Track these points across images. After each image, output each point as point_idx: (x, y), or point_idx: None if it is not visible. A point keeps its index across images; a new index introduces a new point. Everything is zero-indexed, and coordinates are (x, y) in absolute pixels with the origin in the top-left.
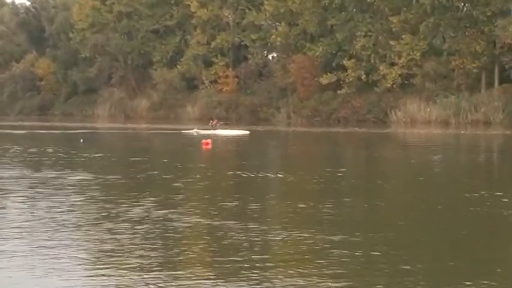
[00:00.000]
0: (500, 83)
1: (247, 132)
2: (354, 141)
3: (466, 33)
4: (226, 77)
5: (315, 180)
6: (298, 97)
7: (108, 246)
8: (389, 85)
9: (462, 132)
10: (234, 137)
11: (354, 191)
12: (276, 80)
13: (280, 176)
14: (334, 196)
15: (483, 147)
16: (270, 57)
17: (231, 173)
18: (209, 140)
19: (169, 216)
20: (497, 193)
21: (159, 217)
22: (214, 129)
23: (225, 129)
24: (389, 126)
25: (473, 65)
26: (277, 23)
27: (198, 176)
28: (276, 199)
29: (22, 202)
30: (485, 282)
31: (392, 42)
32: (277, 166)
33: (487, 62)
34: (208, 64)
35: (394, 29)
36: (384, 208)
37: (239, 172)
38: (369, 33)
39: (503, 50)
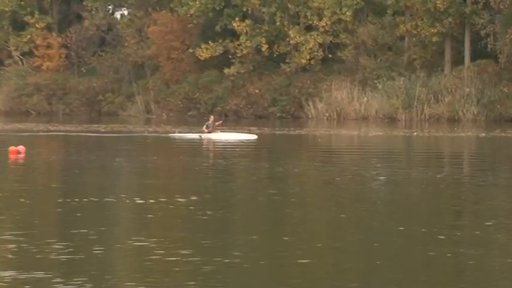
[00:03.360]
0: (474, 58)
1: (255, 136)
2: (245, 147)
3: None
4: (49, 46)
5: (170, 207)
6: (162, 79)
7: None
8: (304, 61)
9: (415, 133)
10: (237, 142)
11: (243, 226)
12: (128, 52)
13: (127, 201)
14: (207, 231)
15: (447, 158)
16: (117, 15)
17: (53, 195)
18: (21, 147)
19: None
20: (462, 227)
21: None
22: (210, 132)
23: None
24: (304, 125)
25: (432, 30)
26: None
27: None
28: (115, 234)
29: None
30: None
31: None
32: (124, 187)
33: (453, 25)
34: (19, 27)
35: None
36: (285, 255)
37: (66, 197)
38: None
39: (476, 7)
